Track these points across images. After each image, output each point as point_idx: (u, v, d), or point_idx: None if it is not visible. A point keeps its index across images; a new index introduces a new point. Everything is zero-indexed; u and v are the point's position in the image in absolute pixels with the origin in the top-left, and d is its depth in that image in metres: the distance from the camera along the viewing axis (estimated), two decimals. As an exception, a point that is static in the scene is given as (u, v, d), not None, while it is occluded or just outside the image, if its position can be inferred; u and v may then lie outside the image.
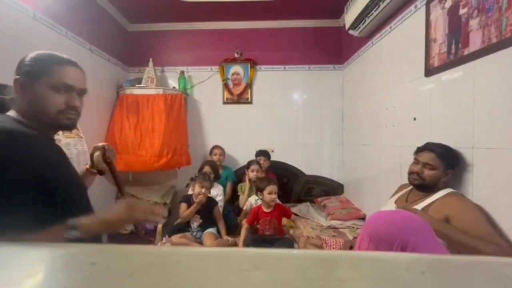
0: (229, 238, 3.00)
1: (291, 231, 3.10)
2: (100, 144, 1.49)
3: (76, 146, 2.81)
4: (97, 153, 1.46)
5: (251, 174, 3.60)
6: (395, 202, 2.17)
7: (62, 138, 2.63)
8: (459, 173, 1.95)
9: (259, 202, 3.20)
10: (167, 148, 3.78)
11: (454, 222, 1.70)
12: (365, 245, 1.45)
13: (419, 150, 2.05)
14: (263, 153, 3.99)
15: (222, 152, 4.12)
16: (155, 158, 3.70)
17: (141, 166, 3.71)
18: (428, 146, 2.01)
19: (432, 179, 1.93)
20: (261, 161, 3.85)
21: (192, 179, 3.34)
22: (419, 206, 1.92)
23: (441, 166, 1.91)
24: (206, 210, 3.06)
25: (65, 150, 2.63)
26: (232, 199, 3.91)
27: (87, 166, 1.60)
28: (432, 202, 1.89)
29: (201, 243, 2.94)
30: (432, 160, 1.93)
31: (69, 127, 1.27)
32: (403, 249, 1.28)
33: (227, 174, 4.06)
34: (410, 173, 2.05)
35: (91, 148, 1.57)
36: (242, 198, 3.63)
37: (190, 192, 3.38)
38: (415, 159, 2.06)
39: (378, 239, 1.39)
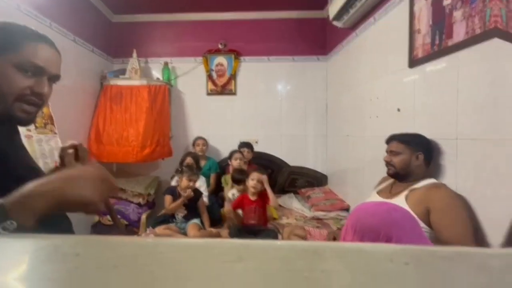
0: (213, 230, 3.00)
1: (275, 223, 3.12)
2: (69, 142, 1.16)
3: (49, 142, 2.72)
4: (70, 151, 1.14)
5: (235, 163, 3.62)
6: (379, 193, 2.20)
7: (34, 135, 2.55)
8: (441, 164, 1.97)
9: (236, 195, 3.19)
10: (150, 139, 3.75)
11: (433, 216, 1.73)
12: (349, 237, 1.45)
13: (387, 142, 2.17)
14: (246, 145, 4.01)
15: (205, 143, 4.13)
16: (138, 149, 3.68)
17: (125, 157, 3.69)
18: (390, 137, 2.14)
19: (401, 164, 2.01)
20: (244, 153, 3.86)
21: (177, 171, 3.32)
22: (401, 196, 1.95)
23: (406, 150, 1.99)
24: (191, 201, 3.05)
25: (36, 146, 2.55)
26: (216, 190, 3.91)
27: (56, 164, 1.21)
28: (413, 190, 1.92)
29: (185, 234, 2.93)
30: (394, 146, 2.05)
31: (23, 122, 1.02)
32: (388, 241, 1.29)
33: (211, 165, 4.05)
34: (385, 165, 2.13)
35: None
36: (226, 189, 3.64)
37: (173, 183, 3.36)
38: (385, 151, 2.16)
39: (363, 232, 1.39)
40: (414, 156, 1.96)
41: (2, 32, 0.96)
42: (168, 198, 3.05)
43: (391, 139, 2.11)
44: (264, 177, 2.91)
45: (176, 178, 3.33)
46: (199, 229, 2.94)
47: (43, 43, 1.00)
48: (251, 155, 3.99)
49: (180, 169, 3.21)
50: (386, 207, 1.50)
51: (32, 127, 2.53)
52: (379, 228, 1.33)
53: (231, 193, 3.32)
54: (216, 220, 3.26)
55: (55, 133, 2.84)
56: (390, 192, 2.11)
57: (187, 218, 3.03)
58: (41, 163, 2.50)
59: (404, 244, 1.25)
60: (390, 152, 2.07)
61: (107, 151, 3.69)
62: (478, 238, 1.65)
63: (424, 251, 0.48)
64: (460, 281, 0.39)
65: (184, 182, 2.99)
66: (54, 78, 1.05)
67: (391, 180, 2.19)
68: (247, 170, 3.42)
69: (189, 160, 3.54)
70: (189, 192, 2.93)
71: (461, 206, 1.72)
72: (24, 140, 2.37)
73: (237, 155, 3.68)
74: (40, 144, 2.60)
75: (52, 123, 2.82)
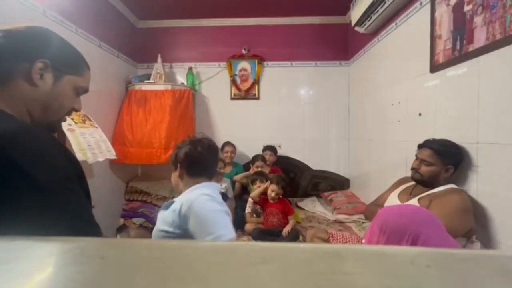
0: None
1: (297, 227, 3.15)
2: None
3: (93, 135, 2.83)
4: None
5: (256, 170, 3.64)
6: (399, 196, 2.20)
7: (76, 128, 2.65)
8: (464, 169, 1.97)
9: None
10: (174, 142, 3.78)
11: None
12: (375, 238, 1.46)
13: (419, 147, 2.10)
14: (270, 148, 4.04)
15: (233, 150, 4.14)
16: (161, 151, 3.74)
17: (148, 159, 3.75)
18: (426, 143, 2.05)
19: (429, 174, 1.97)
20: (267, 156, 3.91)
21: None
22: (416, 198, 1.98)
23: (439, 162, 1.94)
24: None
25: (81, 139, 2.72)
26: (241, 194, 3.94)
27: None
28: (430, 194, 1.93)
29: None
30: (429, 157, 1.98)
31: (57, 129, 1.13)
32: (415, 240, 1.30)
33: (237, 171, 4.08)
34: (411, 169, 2.09)
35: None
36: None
37: None
38: (415, 155, 2.10)
39: (390, 232, 1.39)
40: (444, 169, 1.94)
41: (70, 53, 1.06)
42: None
43: (425, 146, 2.04)
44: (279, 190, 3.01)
45: None
46: None
47: (89, 70, 1.12)
48: (274, 158, 4.02)
49: None
50: (413, 208, 1.51)
51: (72, 122, 2.65)
52: (406, 228, 1.33)
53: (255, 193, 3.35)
54: (241, 224, 3.27)
55: (96, 127, 2.95)
56: (410, 194, 2.11)
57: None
58: (89, 154, 2.67)
59: (432, 244, 1.27)
60: (421, 160, 2.02)
61: (131, 152, 3.73)
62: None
63: (445, 254, 0.49)
64: (481, 284, 0.40)
65: None
66: None
67: (412, 183, 2.19)
68: (270, 173, 3.47)
69: None
70: None
71: (463, 208, 1.73)
72: (68, 134, 2.53)
73: (259, 163, 3.72)
74: (84, 136, 2.71)
75: (89, 119, 2.93)
